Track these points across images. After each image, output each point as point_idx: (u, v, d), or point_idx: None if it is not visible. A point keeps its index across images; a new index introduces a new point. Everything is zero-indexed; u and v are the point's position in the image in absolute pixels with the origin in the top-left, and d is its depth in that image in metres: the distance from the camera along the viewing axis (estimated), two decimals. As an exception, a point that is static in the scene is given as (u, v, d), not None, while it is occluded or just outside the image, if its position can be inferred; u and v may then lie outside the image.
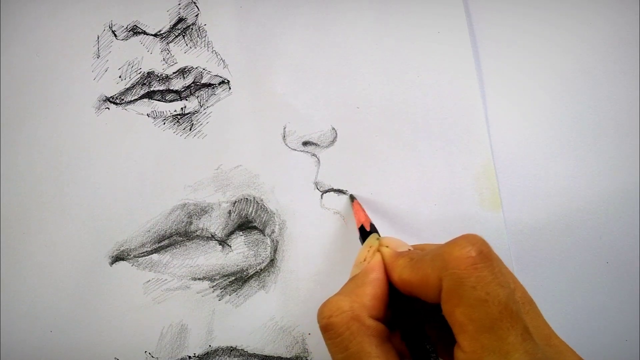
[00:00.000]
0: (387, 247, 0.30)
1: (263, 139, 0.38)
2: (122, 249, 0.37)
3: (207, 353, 0.36)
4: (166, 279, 0.36)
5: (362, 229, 0.33)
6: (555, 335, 0.25)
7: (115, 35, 0.39)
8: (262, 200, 0.37)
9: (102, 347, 0.36)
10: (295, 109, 0.38)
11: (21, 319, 0.36)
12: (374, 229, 0.33)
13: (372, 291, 0.28)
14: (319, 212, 0.37)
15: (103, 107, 0.38)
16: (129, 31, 0.39)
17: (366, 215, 0.34)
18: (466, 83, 0.38)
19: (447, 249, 0.25)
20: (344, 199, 0.37)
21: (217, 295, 0.36)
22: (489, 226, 0.36)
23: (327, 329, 0.26)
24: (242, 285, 0.36)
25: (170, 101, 0.38)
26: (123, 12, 0.39)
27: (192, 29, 0.39)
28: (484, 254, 0.24)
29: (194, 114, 0.38)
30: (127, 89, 0.38)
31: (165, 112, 0.38)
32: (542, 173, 0.37)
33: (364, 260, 0.30)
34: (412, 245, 0.31)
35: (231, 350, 0.36)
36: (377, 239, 0.31)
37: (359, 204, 0.35)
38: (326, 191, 0.37)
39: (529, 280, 0.36)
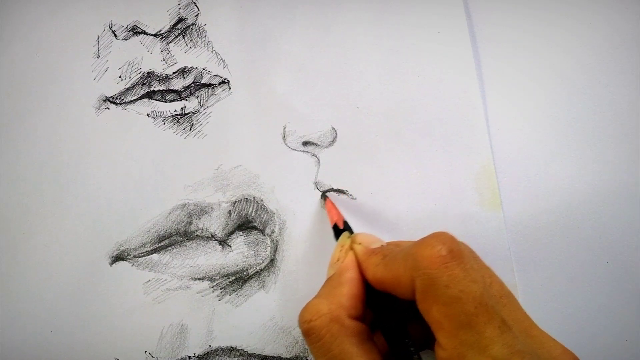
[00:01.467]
0: (359, 244, 0.30)
1: (263, 139, 0.38)
2: (122, 249, 0.37)
3: (207, 353, 0.36)
4: (166, 279, 0.36)
5: (335, 228, 0.33)
6: (536, 327, 0.25)
7: (115, 35, 0.39)
8: (262, 200, 0.37)
9: (102, 347, 0.36)
10: (295, 109, 0.38)
11: (21, 319, 0.36)
12: (347, 227, 0.33)
13: (348, 291, 0.28)
14: (319, 212, 0.37)
15: (103, 107, 0.38)
16: (129, 31, 0.39)
17: (339, 213, 0.34)
18: (466, 83, 0.38)
19: (417, 249, 0.25)
20: (344, 199, 0.37)
21: (217, 295, 0.36)
22: (489, 226, 0.36)
23: (309, 333, 0.26)
24: (242, 285, 0.36)
25: (170, 101, 0.38)
26: (123, 12, 0.39)
27: (192, 29, 0.39)
28: (455, 252, 0.25)
29: (194, 114, 0.38)
30: (127, 89, 0.38)
31: (165, 112, 0.38)
32: (542, 173, 0.37)
33: (338, 260, 0.30)
34: (387, 242, 0.30)
35: (231, 350, 0.36)
36: (349, 237, 0.31)
37: (332, 203, 0.35)
38: (326, 191, 0.37)
39: (529, 280, 0.36)
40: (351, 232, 0.32)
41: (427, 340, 0.28)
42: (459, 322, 0.23)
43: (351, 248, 0.30)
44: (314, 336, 0.26)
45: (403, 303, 0.27)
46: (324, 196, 0.36)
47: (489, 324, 0.23)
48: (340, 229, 0.32)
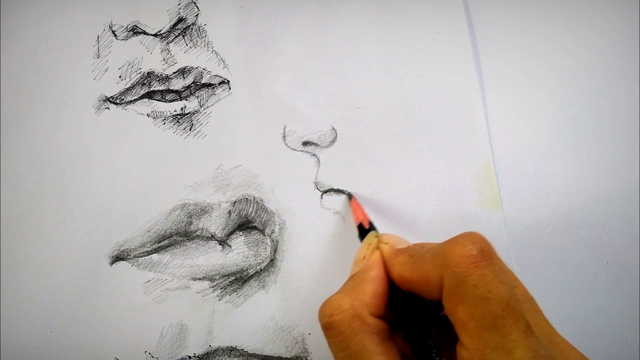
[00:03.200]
0: (386, 243, 0.30)
1: (263, 139, 0.38)
2: (122, 249, 0.37)
3: (207, 353, 0.36)
4: (166, 279, 0.36)
5: (360, 227, 0.33)
6: (557, 333, 0.25)
7: (115, 35, 0.39)
8: (262, 200, 0.37)
9: (102, 347, 0.36)
10: (295, 109, 0.38)
11: (21, 319, 0.36)
12: (372, 227, 0.33)
13: (372, 289, 0.28)
14: (319, 212, 0.37)
15: (103, 107, 0.38)
16: (129, 31, 0.39)
17: (364, 213, 0.34)
18: (466, 83, 0.38)
19: (448, 247, 0.25)
20: (344, 198, 0.37)
21: (217, 295, 0.36)
22: (489, 226, 0.36)
23: (329, 327, 0.26)
24: (242, 285, 0.36)
25: (170, 101, 0.38)
26: (123, 12, 0.39)
27: (192, 29, 0.39)
28: (485, 252, 0.25)
29: (194, 114, 0.38)
30: (127, 89, 0.38)
31: (165, 112, 0.38)
32: (542, 173, 0.37)
33: (364, 258, 0.30)
34: (411, 244, 0.30)
35: (231, 350, 0.36)
36: (376, 236, 0.31)
37: (357, 202, 0.35)
38: (326, 191, 0.37)
39: (529, 280, 0.36)
40: (377, 232, 0.32)
41: (448, 344, 0.28)
42: (484, 323, 0.23)
43: (377, 247, 0.30)
44: (333, 331, 0.26)
45: (427, 305, 0.27)
46: (349, 196, 0.36)
47: (514, 327, 0.23)
48: (366, 229, 0.32)
